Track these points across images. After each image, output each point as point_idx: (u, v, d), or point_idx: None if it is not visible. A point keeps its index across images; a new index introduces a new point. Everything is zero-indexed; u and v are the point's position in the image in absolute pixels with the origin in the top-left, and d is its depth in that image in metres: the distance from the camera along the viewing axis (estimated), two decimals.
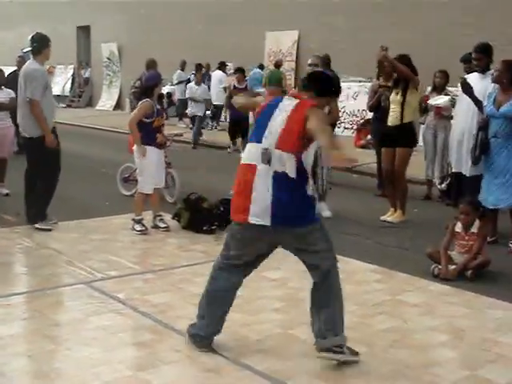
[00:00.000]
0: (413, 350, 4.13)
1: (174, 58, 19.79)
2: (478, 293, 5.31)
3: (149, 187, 7.18)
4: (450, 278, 5.66)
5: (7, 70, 10.55)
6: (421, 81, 7.92)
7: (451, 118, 8.74)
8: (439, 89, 9.23)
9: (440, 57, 13.12)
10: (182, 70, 19.64)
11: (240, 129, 13.24)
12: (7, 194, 8.84)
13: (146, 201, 7.27)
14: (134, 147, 7.17)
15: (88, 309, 4.72)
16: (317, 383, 3.65)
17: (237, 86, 14.23)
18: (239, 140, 13.83)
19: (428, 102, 9.08)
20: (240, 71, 14.63)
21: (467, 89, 7.04)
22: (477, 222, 5.96)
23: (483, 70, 7.24)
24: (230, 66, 18.42)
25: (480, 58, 7.24)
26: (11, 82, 9.39)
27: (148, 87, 7.27)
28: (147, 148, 7.04)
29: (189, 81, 17.25)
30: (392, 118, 7.84)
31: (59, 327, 4.43)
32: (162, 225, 7.23)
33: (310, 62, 8.83)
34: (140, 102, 7.18)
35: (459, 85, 7.37)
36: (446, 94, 9.12)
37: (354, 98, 16.62)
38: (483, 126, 6.79)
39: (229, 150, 14.32)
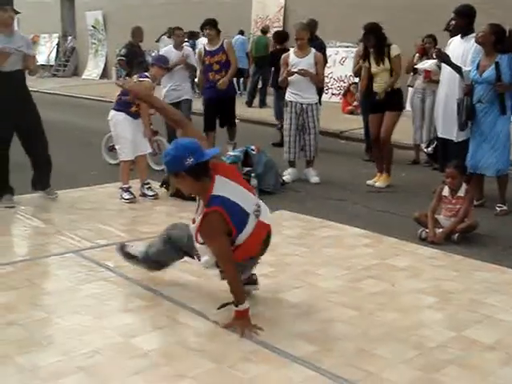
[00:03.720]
0: (401, 313, 4.17)
1: (162, 26, 19.51)
2: (465, 256, 5.36)
3: (126, 154, 7.15)
4: (437, 241, 5.70)
5: None
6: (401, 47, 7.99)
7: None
8: (429, 53, 9.19)
9: (421, 21, 13.11)
10: (169, 37, 19.23)
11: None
12: None
13: (132, 169, 7.25)
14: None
15: (78, 277, 4.73)
16: (305, 345, 3.68)
17: (208, 49, 9.29)
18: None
19: (416, 66, 9.09)
20: (211, 25, 9.23)
21: (444, 58, 7.01)
22: (463, 186, 6.00)
23: (464, 34, 7.15)
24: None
25: (460, 23, 7.14)
26: None
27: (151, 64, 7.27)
28: (120, 115, 7.02)
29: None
30: (379, 85, 7.83)
31: (50, 296, 4.44)
32: (150, 193, 7.22)
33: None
34: (142, 79, 6.83)
35: (435, 56, 7.39)
36: (434, 58, 9.09)
37: (341, 64, 16.56)
38: (468, 92, 6.78)
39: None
